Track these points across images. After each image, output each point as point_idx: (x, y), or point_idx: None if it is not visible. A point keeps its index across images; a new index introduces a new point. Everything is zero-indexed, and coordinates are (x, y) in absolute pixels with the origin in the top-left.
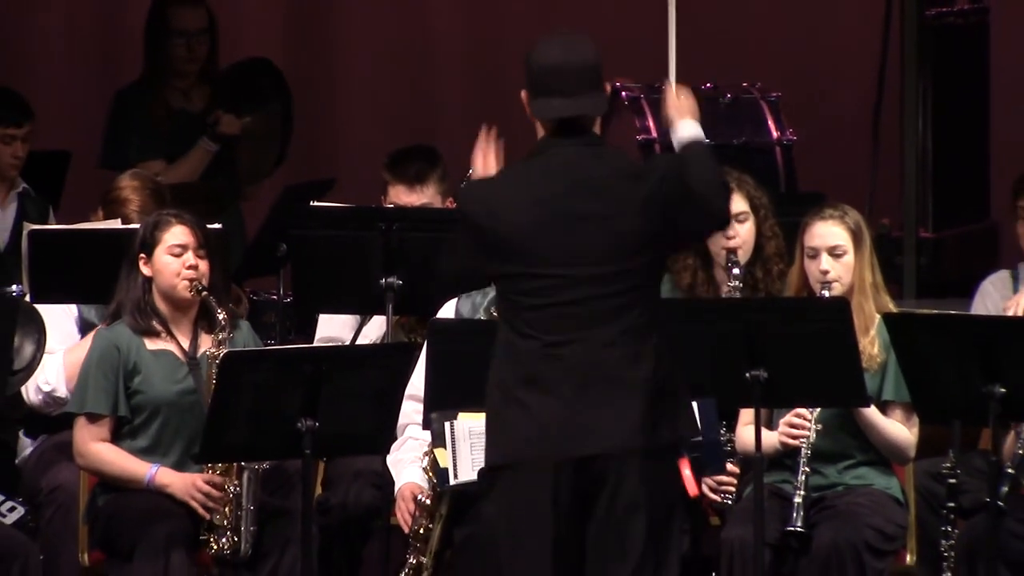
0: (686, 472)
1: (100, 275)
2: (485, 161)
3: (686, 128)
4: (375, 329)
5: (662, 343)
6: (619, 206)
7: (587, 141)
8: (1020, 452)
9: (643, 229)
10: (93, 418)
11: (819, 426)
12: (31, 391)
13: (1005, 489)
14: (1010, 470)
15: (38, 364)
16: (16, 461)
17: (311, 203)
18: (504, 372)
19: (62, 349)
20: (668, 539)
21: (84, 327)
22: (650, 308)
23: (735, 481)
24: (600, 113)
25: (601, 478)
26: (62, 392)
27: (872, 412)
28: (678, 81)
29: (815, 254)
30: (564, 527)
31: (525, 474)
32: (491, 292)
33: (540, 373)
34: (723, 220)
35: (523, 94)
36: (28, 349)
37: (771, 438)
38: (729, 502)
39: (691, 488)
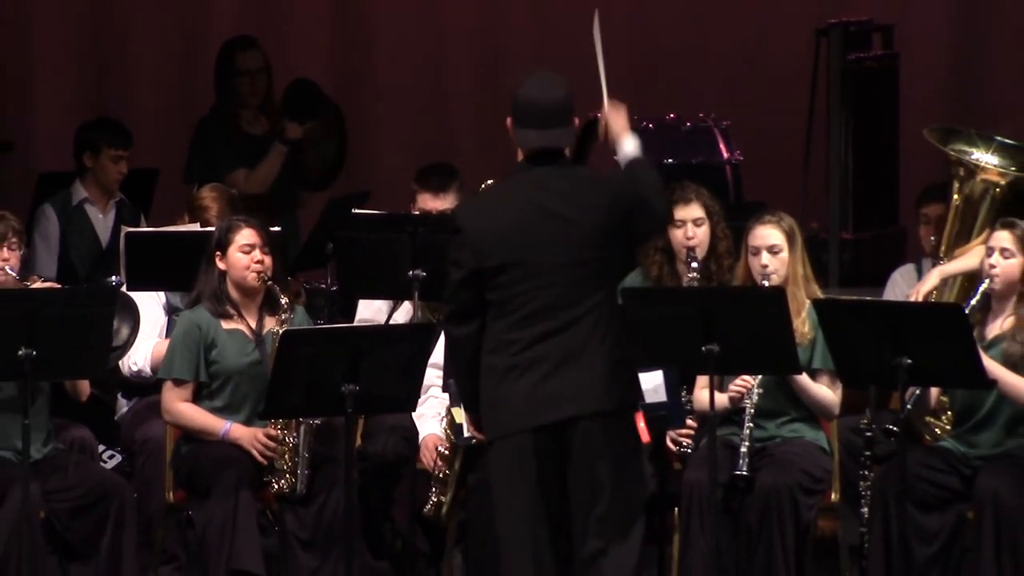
0: (640, 424)
1: (183, 268)
2: None
3: (628, 145)
4: (403, 312)
5: (620, 324)
6: (581, 211)
7: (556, 165)
8: (917, 392)
9: (602, 229)
10: (178, 383)
11: (761, 389)
12: (124, 368)
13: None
14: (908, 406)
15: (132, 344)
16: (115, 418)
17: (352, 211)
18: (494, 360)
19: (152, 330)
20: (634, 481)
21: (170, 310)
22: (612, 295)
23: (693, 434)
24: (565, 145)
25: (574, 436)
26: (147, 373)
27: (803, 378)
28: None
29: (757, 252)
30: (548, 481)
31: (512, 441)
32: None
33: (523, 358)
34: (665, 220)
35: (508, 121)
36: (124, 331)
37: (722, 399)
38: (688, 451)
39: (644, 436)
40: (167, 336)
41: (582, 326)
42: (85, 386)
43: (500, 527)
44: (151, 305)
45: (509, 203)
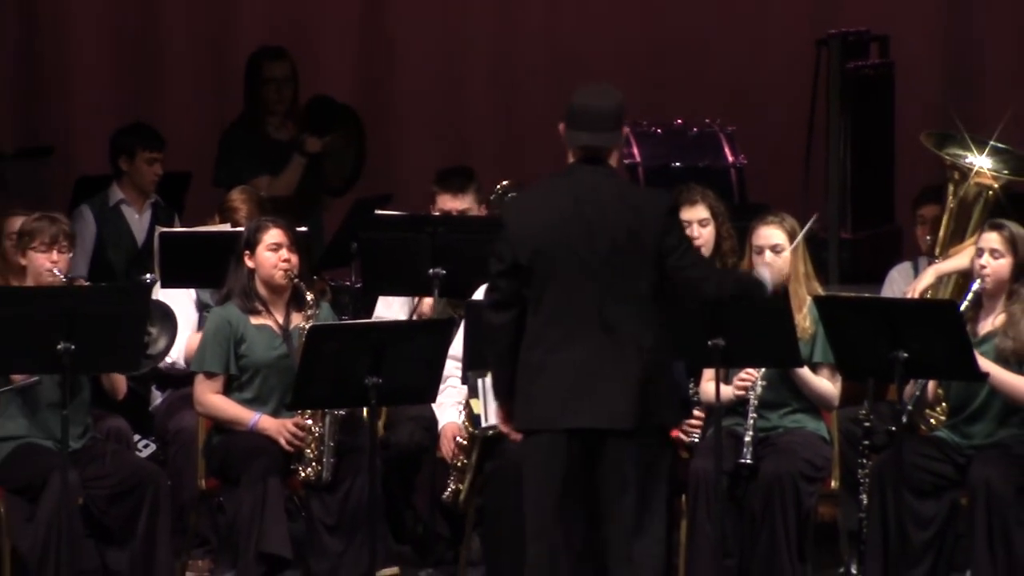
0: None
1: (214, 266)
2: None
3: (763, 279)
4: (425, 308)
5: (660, 335)
6: (617, 221)
7: (603, 169)
8: (917, 394)
9: (635, 243)
10: (209, 376)
11: (764, 382)
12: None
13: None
14: (909, 407)
15: (165, 356)
16: (150, 409)
17: (375, 212)
18: (530, 356)
19: (184, 324)
20: (659, 487)
21: (201, 306)
22: (649, 306)
23: (700, 424)
24: (612, 147)
25: (604, 446)
26: (181, 365)
27: (805, 371)
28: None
29: (760, 251)
30: (575, 480)
31: (544, 438)
32: None
33: (556, 358)
34: (706, 301)
35: (560, 125)
36: (162, 343)
37: (727, 391)
38: (696, 440)
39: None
40: (199, 331)
41: (617, 333)
42: (122, 385)
43: (527, 518)
44: (184, 301)
45: (552, 202)
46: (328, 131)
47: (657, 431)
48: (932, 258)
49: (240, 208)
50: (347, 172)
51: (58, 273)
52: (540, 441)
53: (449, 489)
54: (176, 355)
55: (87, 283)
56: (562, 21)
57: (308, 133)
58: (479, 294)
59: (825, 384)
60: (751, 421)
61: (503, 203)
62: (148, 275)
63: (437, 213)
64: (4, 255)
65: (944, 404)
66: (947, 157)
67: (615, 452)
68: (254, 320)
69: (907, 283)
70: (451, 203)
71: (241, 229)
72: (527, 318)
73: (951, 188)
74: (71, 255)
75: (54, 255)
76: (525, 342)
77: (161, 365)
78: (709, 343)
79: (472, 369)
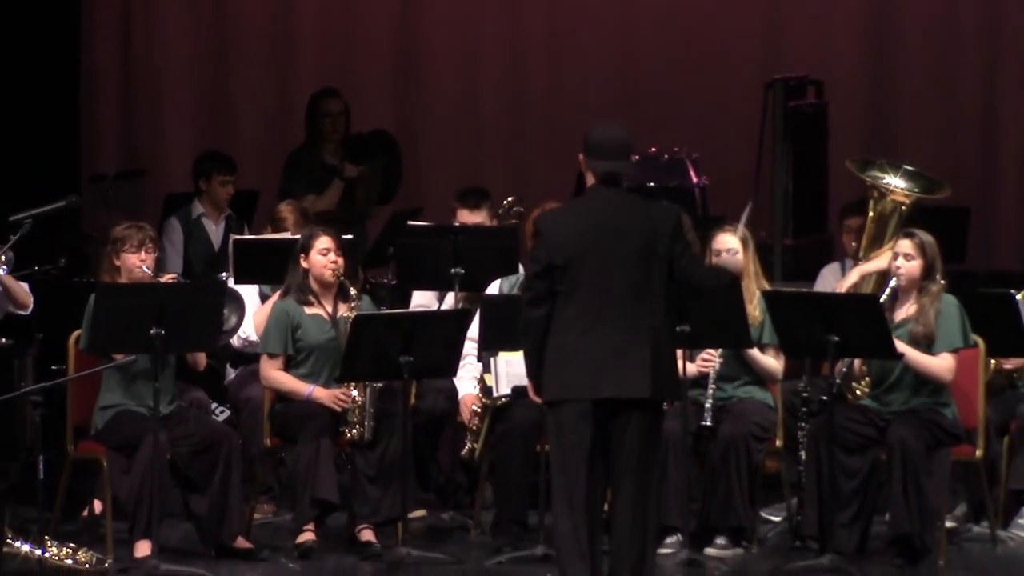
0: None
1: (276, 266)
2: None
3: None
4: (447, 301)
5: (665, 323)
6: (635, 230)
7: (619, 189)
8: (844, 370)
9: (650, 247)
10: (272, 356)
11: (721, 360)
12: (235, 341)
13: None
14: (839, 381)
15: (237, 330)
16: (224, 382)
17: (408, 222)
18: (561, 340)
19: (250, 310)
20: (658, 447)
21: (263, 296)
22: (660, 300)
23: None
24: (627, 173)
25: (621, 411)
26: (254, 338)
27: (754, 351)
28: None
29: (718, 253)
30: (595, 441)
31: (574, 407)
32: (514, 278)
33: (585, 340)
34: (704, 291)
35: (581, 156)
36: (233, 320)
37: (692, 368)
38: (666, 408)
39: None
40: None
41: (635, 321)
42: (202, 359)
43: (556, 475)
44: (250, 293)
45: (580, 215)
46: (363, 162)
47: (660, 404)
48: (857, 260)
49: (287, 218)
50: (372, 199)
51: (146, 270)
52: (572, 410)
53: (466, 447)
54: (249, 331)
55: (175, 278)
56: (563, 68)
57: (348, 161)
58: (491, 289)
59: (771, 362)
60: (711, 392)
61: (537, 217)
62: (223, 274)
63: (458, 224)
64: (106, 259)
65: (867, 378)
66: (868, 179)
67: (628, 419)
68: (308, 310)
69: (836, 280)
70: (469, 216)
71: (298, 236)
72: (558, 309)
73: (872, 203)
74: (156, 255)
75: (142, 255)
76: (557, 328)
77: (237, 344)
78: (676, 329)
79: (486, 350)
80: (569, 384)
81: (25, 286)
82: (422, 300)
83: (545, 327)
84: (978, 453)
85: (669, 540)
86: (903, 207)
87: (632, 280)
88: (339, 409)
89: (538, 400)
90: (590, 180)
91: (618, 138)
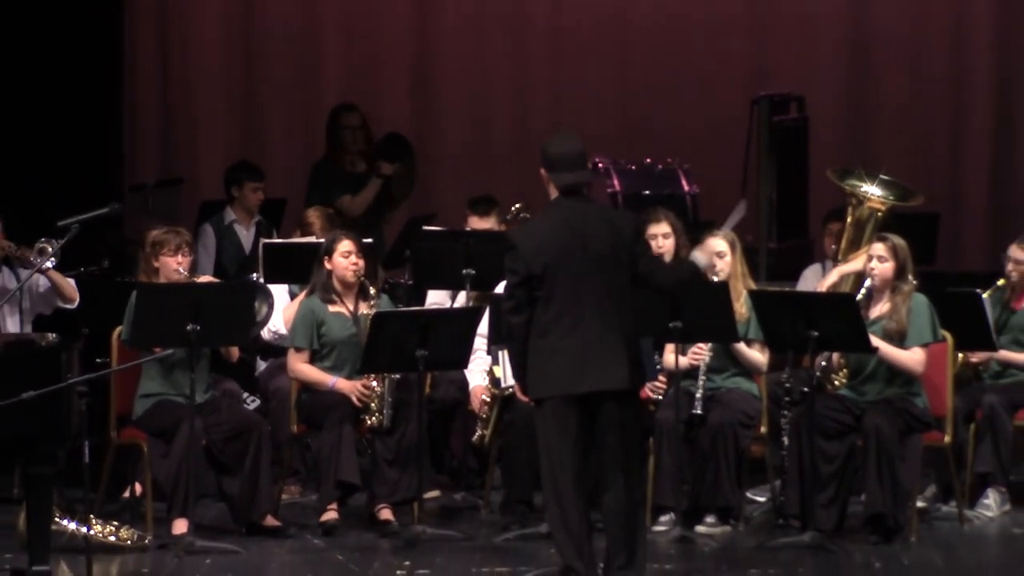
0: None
1: (302, 267)
2: None
3: (695, 260)
4: (459, 299)
5: (633, 319)
6: (602, 236)
7: (582, 198)
8: (824, 363)
9: (613, 248)
10: (299, 350)
11: (711, 353)
12: (266, 335)
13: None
14: (818, 372)
15: (268, 321)
16: (255, 374)
17: (423, 227)
18: (543, 342)
19: (279, 306)
20: (637, 434)
21: (292, 296)
22: (627, 298)
23: (663, 386)
24: (587, 181)
25: (602, 404)
26: (283, 331)
27: (741, 345)
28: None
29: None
30: (580, 433)
31: (558, 402)
32: None
33: (565, 342)
34: (664, 291)
35: (542, 171)
36: (264, 311)
37: (684, 361)
38: (660, 398)
39: (643, 394)
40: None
41: (609, 319)
42: (234, 352)
43: (545, 464)
44: (280, 291)
45: (549, 226)
46: (397, 159)
47: (636, 392)
48: (836, 262)
49: (315, 223)
50: (409, 193)
51: (183, 272)
52: (555, 405)
53: (477, 434)
54: (278, 325)
55: (209, 278)
56: (563, 92)
57: (381, 160)
58: (500, 288)
59: (757, 355)
60: (701, 382)
61: (509, 232)
62: (253, 275)
63: (469, 229)
64: (146, 261)
65: (845, 370)
66: (847, 187)
67: (609, 409)
68: (331, 308)
69: (817, 280)
70: (479, 223)
71: (322, 240)
72: (538, 314)
73: (850, 210)
74: (192, 258)
75: (179, 258)
76: (538, 330)
77: (269, 337)
78: (670, 325)
79: (494, 344)
80: (554, 381)
81: (72, 282)
82: (436, 299)
83: (527, 331)
84: (947, 439)
85: (663, 519)
86: (879, 213)
87: (604, 282)
88: (360, 400)
89: (525, 399)
90: (553, 193)
91: (576, 150)
